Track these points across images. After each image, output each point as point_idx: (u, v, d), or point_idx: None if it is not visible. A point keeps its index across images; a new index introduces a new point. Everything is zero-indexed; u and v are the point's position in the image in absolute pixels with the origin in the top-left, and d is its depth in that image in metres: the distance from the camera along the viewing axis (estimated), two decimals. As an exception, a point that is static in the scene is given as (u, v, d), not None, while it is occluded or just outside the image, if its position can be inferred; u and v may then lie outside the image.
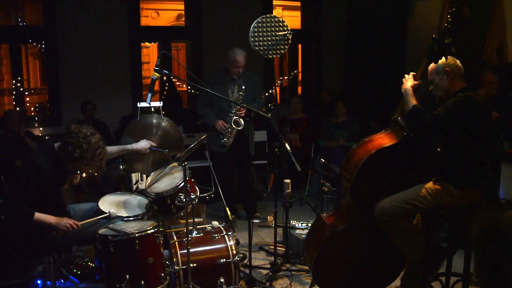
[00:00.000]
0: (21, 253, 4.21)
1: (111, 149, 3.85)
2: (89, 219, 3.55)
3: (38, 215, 3.30)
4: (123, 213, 3.80)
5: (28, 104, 7.38)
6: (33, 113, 7.71)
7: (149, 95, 3.68)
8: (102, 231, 3.36)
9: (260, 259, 4.60)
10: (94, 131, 3.44)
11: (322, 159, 4.50)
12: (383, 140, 3.40)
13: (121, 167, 4.42)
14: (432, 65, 3.18)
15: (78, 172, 3.53)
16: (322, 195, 4.53)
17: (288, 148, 3.99)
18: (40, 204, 3.37)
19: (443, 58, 3.11)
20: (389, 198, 3.25)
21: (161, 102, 4.29)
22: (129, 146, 3.99)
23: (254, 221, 5.39)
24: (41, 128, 6.92)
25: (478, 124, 3.05)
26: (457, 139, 3.06)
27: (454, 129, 3.04)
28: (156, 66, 3.58)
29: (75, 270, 4.21)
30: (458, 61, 3.18)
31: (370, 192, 3.38)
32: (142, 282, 3.22)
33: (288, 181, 4.30)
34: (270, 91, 7.58)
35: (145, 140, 4.05)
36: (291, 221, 4.77)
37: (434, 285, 3.37)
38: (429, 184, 3.21)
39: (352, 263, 3.52)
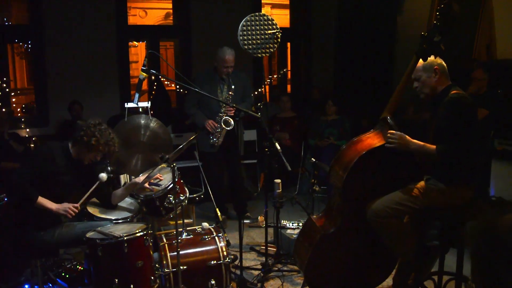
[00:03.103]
0: (8, 257, 4.15)
1: (118, 192, 3.91)
2: (84, 196, 3.60)
3: (41, 199, 3.41)
4: (112, 216, 3.75)
5: (14, 105, 7.27)
6: (19, 114, 7.60)
7: (137, 95, 3.64)
8: (90, 234, 3.31)
9: (251, 260, 4.56)
10: (99, 120, 3.62)
11: (312, 158, 4.48)
12: (372, 140, 3.37)
13: (109, 168, 4.36)
14: (419, 62, 3.15)
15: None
16: (313, 195, 4.51)
17: (278, 147, 3.95)
18: (43, 190, 3.44)
19: (432, 56, 3.09)
20: (381, 200, 3.22)
21: (149, 103, 4.24)
22: (129, 182, 3.98)
23: (244, 221, 5.36)
24: (28, 129, 6.82)
25: (470, 123, 3.04)
26: (448, 137, 3.04)
27: (450, 129, 3.02)
28: (144, 66, 3.53)
29: (63, 274, 4.14)
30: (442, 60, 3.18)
31: (361, 193, 3.35)
32: (132, 286, 3.17)
33: (278, 181, 4.27)
34: (260, 90, 7.54)
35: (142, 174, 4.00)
36: (282, 221, 4.75)
37: (426, 284, 3.35)
38: (421, 184, 3.19)
39: (344, 263, 3.50)
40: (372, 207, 3.23)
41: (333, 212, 3.57)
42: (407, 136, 3.12)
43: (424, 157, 3.14)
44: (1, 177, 5.31)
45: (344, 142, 6.10)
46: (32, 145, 6.27)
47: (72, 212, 3.47)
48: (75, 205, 3.51)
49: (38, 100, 7.28)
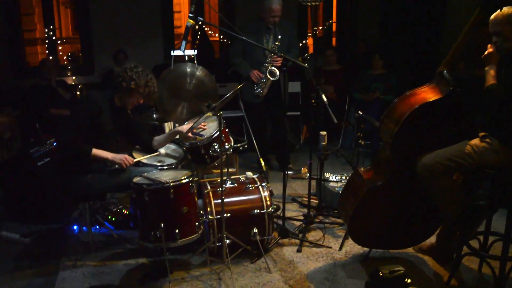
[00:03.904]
0: (57, 199, 4.29)
1: (159, 138, 3.92)
2: (142, 157, 3.70)
3: (95, 151, 3.48)
4: (157, 162, 3.79)
5: (60, 53, 7.37)
6: (65, 62, 7.71)
7: (183, 43, 3.60)
8: (136, 179, 3.36)
9: (293, 211, 4.58)
10: (135, 63, 3.60)
11: (359, 111, 4.36)
12: (427, 94, 3.24)
13: (154, 116, 4.39)
14: (499, 14, 2.90)
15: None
16: (357, 149, 4.42)
17: (325, 99, 3.87)
18: (92, 142, 3.51)
19: (504, 7, 2.86)
20: (432, 154, 3.13)
21: (196, 50, 4.18)
22: (173, 130, 4.00)
23: (287, 172, 5.35)
24: (74, 77, 6.93)
25: None
26: None
27: None
28: (191, 12, 3.46)
29: (110, 217, 4.26)
30: None
31: (411, 148, 3.26)
32: (177, 230, 3.22)
33: (324, 133, 4.20)
34: (304, 42, 7.37)
35: (187, 123, 4.01)
36: (325, 173, 4.70)
37: (472, 243, 3.28)
38: (475, 141, 3.07)
39: (388, 218, 3.45)
40: (422, 161, 3.14)
41: (381, 165, 3.49)
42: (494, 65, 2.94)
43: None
44: (50, 123, 5.45)
45: (390, 97, 5.96)
46: (78, 93, 6.37)
47: (127, 162, 3.55)
48: (131, 158, 3.59)
49: (84, 49, 7.36)
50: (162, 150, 3.98)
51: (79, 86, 6.58)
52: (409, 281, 2.13)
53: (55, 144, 4.55)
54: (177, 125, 4.53)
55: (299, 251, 3.78)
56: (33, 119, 5.45)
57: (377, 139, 5.75)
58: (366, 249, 3.69)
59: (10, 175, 4.47)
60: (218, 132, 3.43)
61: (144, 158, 3.76)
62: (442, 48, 6.32)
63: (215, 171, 4.60)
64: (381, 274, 2.14)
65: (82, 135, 3.45)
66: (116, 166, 3.57)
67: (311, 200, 4.31)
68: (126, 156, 3.58)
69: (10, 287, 3.36)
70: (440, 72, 3.21)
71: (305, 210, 4.37)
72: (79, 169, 3.55)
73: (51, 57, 6.65)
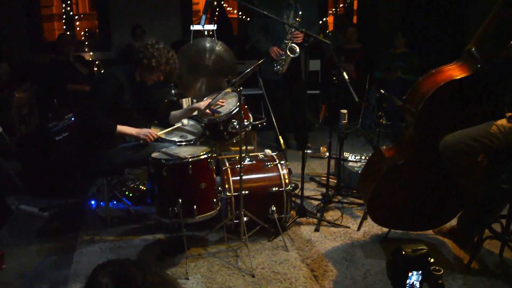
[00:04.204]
0: (77, 174, 4.29)
1: (176, 113, 3.90)
2: (166, 129, 3.70)
3: (120, 127, 3.48)
4: (175, 138, 3.76)
5: (78, 29, 7.34)
6: (82, 38, 7.69)
7: (203, 17, 3.55)
8: (155, 154, 3.33)
9: (311, 190, 4.53)
10: (156, 39, 3.54)
11: (381, 90, 4.26)
12: (453, 72, 3.14)
13: (173, 91, 4.34)
14: None
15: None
16: (378, 128, 4.33)
17: (346, 77, 3.78)
18: (112, 118, 3.49)
19: None
20: (456, 134, 3.05)
21: (215, 25, 4.11)
22: (190, 106, 3.97)
23: (306, 151, 5.29)
24: (91, 53, 6.91)
25: None
26: None
27: None
28: (211, -14, 3.39)
29: (127, 193, 4.26)
30: None
31: (435, 126, 3.18)
32: (195, 206, 3.20)
33: (344, 111, 4.13)
34: (324, 19, 7.23)
35: (206, 99, 3.96)
36: (344, 153, 4.63)
37: (493, 227, 3.21)
38: (502, 121, 2.97)
39: (408, 199, 3.38)
40: (445, 140, 3.06)
41: (404, 144, 3.41)
42: None
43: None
44: (68, 98, 5.44)
45: (411, 77, 5.85)
46: (96, 69, 6.36)
47: (151, 137, 3.53)
48: (155, 132, 3.57)
49: (101, 24, 7.32)
50: (185, 121, 3.94)
51: (96, 62, 6.57)
52: (432, 260, 2.07)
53: (73, 119, 4.55)
54: (195, 101, 4.49)
55: (316, 230, 3.74)
56: (51, 94, 5.44)
57: (397, 120, 5.65)
58: (384, 230, 3.63)
59: (28, 150, 4.48)
60: (238, 108, 3.38)
61: (166, 131, 3.73)
62: (467, 27, 6.16)
63: (233, 148, 4.57)
64: (403, 253, 2.07)
65: (106, 112, 3.43)
66: (141, 141, 3.55)
67: (330, 179, 4.25)
68: (150, 130, 3.56)
69: (29, 261, 3.38)
70: (468, 49, 3.11)
71: (323, 190, 4.32)
72: (99, 145, 3.54)
73: (68, 32, 6.63)
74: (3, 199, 3.73)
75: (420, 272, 2.07)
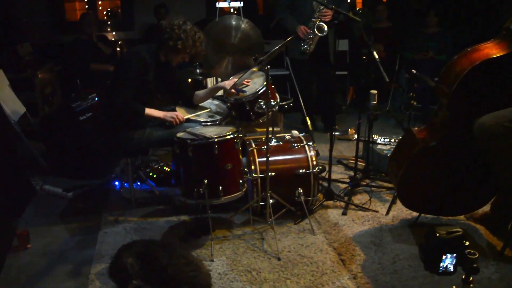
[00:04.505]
0: (101, 154, 4.26)
1: (200, 93, 3.84)
2: (193, 114, 3.66)
3: (148, 110, 3.46)
4: (201, 118, 3.69)
5: (100, 8, 7.30)
6: (105, 18, 7.64)
7: (229, -7, 3.43)
8: (180, 134, 3.27)
9: (338, 173, 4.43)
10: (184, 19, 3.45)
11: (413, 70, 4.11)
12: (491, 50, 2.99)
13: (198, 71, 4.26)
14: None
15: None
16: (409, 109, 4.18)
17: (376, 56, 3.66)
18: (138, 99, 3.44)
19: None
20: (492, 115, 2.91)
21: (241, 3, 4.00)
22: (215, 85, 3.90)
23: (334, 133, 5.18)
24: (114, 33, 6.86)
25: None
26: None
27: None
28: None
29: (151, 174, 4.23)
30: None
31: (469, 108, 3.04)
32: (220, 187, 3.14)
33: (374, 92, 3.98)
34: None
35: (232, 78, 3.88)
36: (373, 135, 4.51)
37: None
38: None
39: (440, 183, 3.25)
40: (481, 121, 2.92)
41: (437, 125, 3.27)
42: None
43: None
44: (91, 78, 5.41)
45: (443, 57, 5.66)
46: (119, 49, 6.31)
47: (178, 120, 3.49)
48: (182, 115, 3.54)
49: (123, 4, 7.25)
50: (213, 106, 3.88)
51: (119, 42, 6.51)
52: (467, 243, 1.97)
53: (96, 99, 4.50)
54: (219, 80, 4.40)
55: (344, 214, 3.65)
56: (74, 74, 5.41)
57: (429, 102, 5.48)
58: (414, 214, 3.53)
59: (52, 130, 4.46)
60: (265, 88, 3.27)
61: (194, 116, 3.65)
62: (504, 5, 5.93)
63: (258, 129, 4.48)
64: (437, 235, 1.98)
65: (134, 95, 3.38)
66: (167, 123, 3.50)
67: (358, 162, 4.14)
68: (177, 113, 3.52)
69: (53, 240, 3.37)
70: (507, 27, 2.96)
71: (351, 173, 4.22)
72: (125, 125, 3.50)
73: (91, 12, 6.59)
74: (27, 179, 3.72)
75: (454, 255, 1.97)
